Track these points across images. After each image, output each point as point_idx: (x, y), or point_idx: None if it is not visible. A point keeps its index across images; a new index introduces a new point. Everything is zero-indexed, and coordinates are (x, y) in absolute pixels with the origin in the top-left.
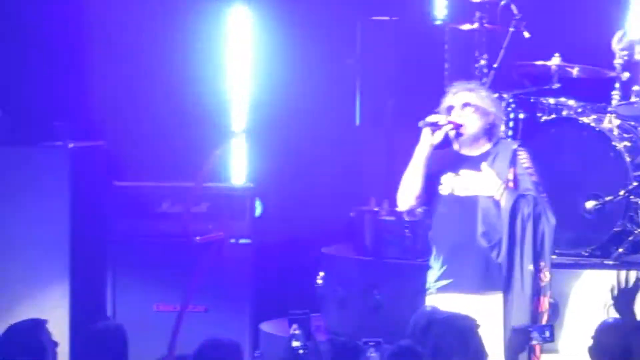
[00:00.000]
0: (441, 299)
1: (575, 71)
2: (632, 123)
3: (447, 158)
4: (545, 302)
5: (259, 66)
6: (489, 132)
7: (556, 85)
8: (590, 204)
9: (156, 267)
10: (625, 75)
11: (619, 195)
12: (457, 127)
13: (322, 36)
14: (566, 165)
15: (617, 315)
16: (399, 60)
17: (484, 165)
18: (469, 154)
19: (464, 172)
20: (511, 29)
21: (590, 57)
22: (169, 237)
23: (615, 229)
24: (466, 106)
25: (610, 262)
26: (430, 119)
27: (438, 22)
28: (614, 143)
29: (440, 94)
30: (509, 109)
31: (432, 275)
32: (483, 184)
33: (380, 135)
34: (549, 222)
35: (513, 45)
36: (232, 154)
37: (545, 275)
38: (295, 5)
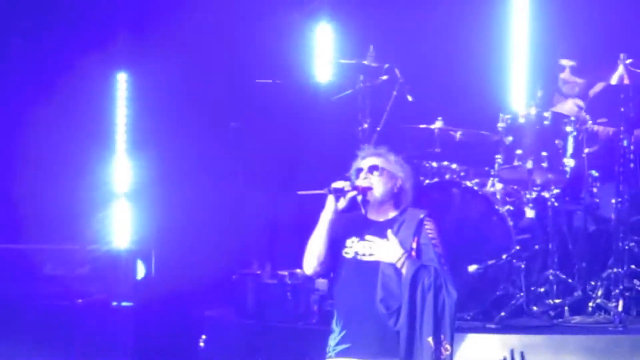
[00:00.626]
0: None
1: (458, 135)
2: (515, 187)
3: (353, 222)
4: None
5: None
6: (396, 197)
7: (438, 149)
8: (472, 268)
9: (39, 329)
10: (509, 139)
11: (501, 259)
12: (363, 192)
13: (206, 100)
14: (449, 229)
15: None
16: (284, 123)
17: (389, 232)
18: (375, 219)
19: (369, 237)
20: (394, 93)
21: (473, 121)
22: (52, 300)
23: (497, 293)
24: (373, 170)
25: (493, 326)
26: (335, 185)
27: (322, 85)
28: (496, 207)
29: (329, 156)
30: None
31: (332, 339)
32: (386, 250)
33: (264, 199)
34: (449, 295)
35: (396, 108)
36: (114, 216)
37: (446, 349)
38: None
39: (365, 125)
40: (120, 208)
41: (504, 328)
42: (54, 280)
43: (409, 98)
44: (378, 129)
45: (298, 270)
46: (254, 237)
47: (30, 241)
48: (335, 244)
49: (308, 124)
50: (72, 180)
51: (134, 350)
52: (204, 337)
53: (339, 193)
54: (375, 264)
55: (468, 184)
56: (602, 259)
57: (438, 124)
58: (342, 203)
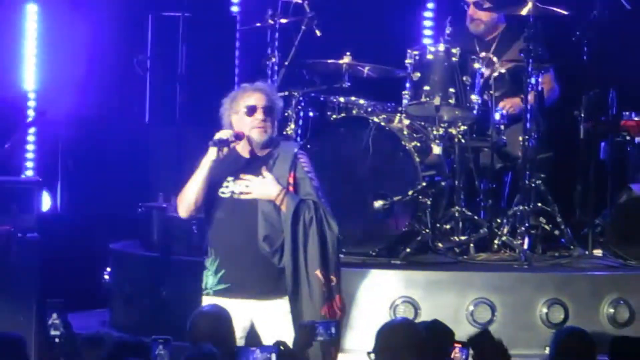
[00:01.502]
0: (219, 302)
1: (366, 70)
2: (422, 123)
3: (227, 161)
4: (336, 304)
5: (48, 60)
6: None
7: (346, 84)
8: (378, 204)
9: None
10: (416, 75)
11: (407, 195)
12: (248, 139)
13: (113, 32)
14: (356, 165)
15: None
16: (190, 57)
17: (263, 169)
18: (247, 156)
19: (244, 176)
20: (303, 27)
21: (381, 56)
22: None
23: (403, 229)
24: (268, 112)
25: (398, 262)
26: (218, 136)
27: (230, 18)
28: (403, 142)
29: (231, 90)
30: (299, 107)
31: (209, 278)
32: (263, 188)
33: (170, 132)
34: (330, 228)
35: (304, 43)
36: (21, 146)
37: (332, 280)
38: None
39: (274, 59)
40: (27, 138)
41: (409, 264)
42: None
43: (317, 32)
44: (286, 63)
45: None
46: (161, 170)
47: None
48: (211, 183)
49: (216, 59)
50: None
51: (38, 282)
52: (108, 269)
53: (223, 144)
54: (254, 203)
55: (375, 119)
56: (508, 197)
57: (346, 59)
58: (224, 152)
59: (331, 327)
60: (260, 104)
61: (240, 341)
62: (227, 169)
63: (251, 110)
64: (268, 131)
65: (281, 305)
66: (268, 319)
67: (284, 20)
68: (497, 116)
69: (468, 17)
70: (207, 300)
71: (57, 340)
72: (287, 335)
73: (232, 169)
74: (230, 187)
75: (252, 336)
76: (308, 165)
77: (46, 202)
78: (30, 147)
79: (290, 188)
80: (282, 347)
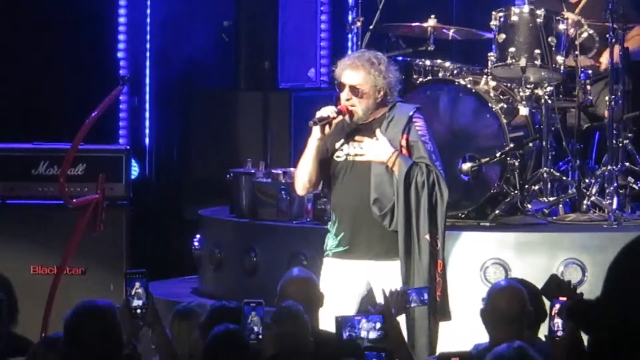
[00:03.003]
0: (337, 264)
1: (451, 32)
2: (508, 85)
3: (342, 125)
4: (438, 270)
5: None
6: (382, 100)
7: (431, 47)
8: (466, 166)
9: (33, 230)
10: (501, 37)
11: (495, 157)
12: (349, 113)
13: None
14: (442, 127)
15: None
16: (276, 23)
17: (377, 131)
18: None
19: (358, 138)
20: None
21: (466, 18)
22: (46, 200)
23: (491, 191)
24: (352, 89)
25: (487, 224)
26: (320, 114)
27: None
28: (490, 105)
29: (318, 56)
30: None
31: (330, 240)
32: (375, 150)
33: (257, 97)
34: (441, 193)
35: (389, 6)
36: (110, 115)
37: (437, 244)
38: None
39: (358, 24)
40: (116, 107)
41: (499, 226)
42: (48, 180)
43: None
44: (371, 27)
45: (291, 169)
46: (249, 136)
47: (23, 141)
48: (325, 154)
49: (303, 22)
50: (68, 78)
51: (128, 250)
52: (198, 236)
53: (325, 121)
54: (367, 165)
55: (461, 82)
56: (596, 157)
57: (431, 22)
58: (328, 129)
59: (423, 293)
60: (348, 81)
61: (354, 304)
62: (342, 132)
63: (340, 87)
64: (358, 108)
65: (394, 268)
66: (382, 280)
67: None
68: (582, 76)
69: None
70: (326, 262)
71: (139, 310)
72: None
73: (346, 132)
74: (345, 150)
75: (369, 298)
76: (423, 128)
77: (135, 169)
78: (120, 114)
79: (403, 151)
80: (385, 315)
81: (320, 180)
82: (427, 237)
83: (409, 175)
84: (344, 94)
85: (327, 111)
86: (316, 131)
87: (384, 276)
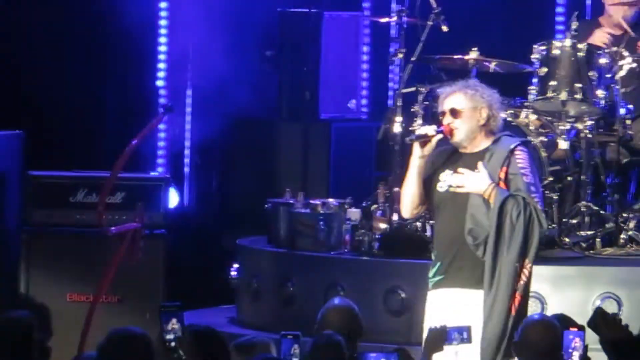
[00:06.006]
0: (434, 294)
1: (492, 65)
2: (549, 118)
3: (445, 155)
4: (515, 303)
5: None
6: (484, 127)
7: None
8: None
9: (70, 257)
10: (543, 70)
11: None
12: (449, 133)
13: (243, 27)
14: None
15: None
16: (318, 54)
17: (479, 163)
18: (466, 151)
19: (460, 170)
20: (430, 23)
21: (507, 52)
22: (84, 227)
23: None
24: (453, 111)
25: None
26: (420, 132)
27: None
28: (530, 138)
29: (359, 87)
30: (426, 102)
31: (431, 269)
32: (474, 181)
33: (297, 128)
34: (540, 225)
35: (431, 38)
36: (150, 142)
37: (522, 277)
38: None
39: (400, 55)
40: (155, 136)
41: (536, 259)
42: (87, 208)
43: (444, 28)
44: (413, 59)
45: (330, 200)
46: (288, 166)
47: (63, 168)
48: (428, 182)
49: (346, 53)
50: (108, 106)
51: (165, 278)
52: (235, 265)
53: (424, 138)
54: (466, 196)
55: (502, 114)
56: (635, 191)
57: (473, 54)
58: (429, 148)
59: (463, 331)
60: (447, 106)
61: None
62: (445, 163)
63: (442, 116)
64: (460, 130)
65: (481, 297)
66: (468, 309)
67: (407, 19)
68: (622, 111)
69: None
70: (428, 292)
71: (173, 344)
72: (475, 326)
73: (449, 163)
74: (447, 181)
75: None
76: (524, 161)
77: (174, 198)
78: (160, 143)
79: (501, 183)
80: (401, 354)
81: (424, 203)
82: (517, 268)
83: (504, 207)
84: (445, 120)
85: (427, 129)
86: (417, 149)
87: (471, 305)
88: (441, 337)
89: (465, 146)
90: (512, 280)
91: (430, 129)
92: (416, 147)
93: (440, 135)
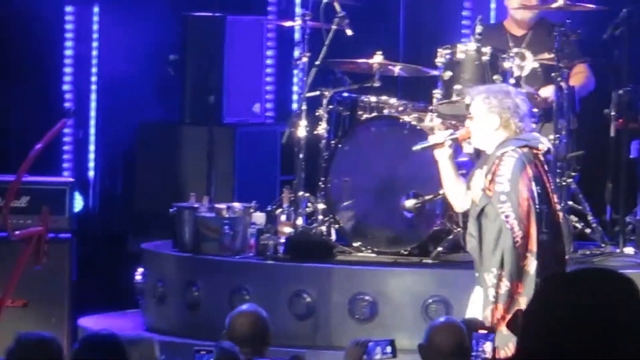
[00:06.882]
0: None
1: (396, 69)
2: (454, 122)
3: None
4: (497, 312)
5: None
6: (500, 132)
7: (377, 83)
8: (410, 203)
9: None
10: (447, 74)
11: (439, 194)
12: (466, 136)
13: (147, 31)
14: (387, 164)
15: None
16: (222, 58)
17: (478, 170)
18: (487, 153)
19: (474, 174)
20: (334, 27)
21: (412, 55)
22: None
23: (434, 228)
24: (471, 115)
25: (429, 261)
26: (428, 141)
27: (262, 18)
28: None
29: (263, 91)
30: (330, 106)
31: None
32: (474, 188)
33: (202, 132)
34: (510, 233)
35: (335, 43)
36: (52, 146)
37: (506, 285)
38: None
39: (305, 59)
40: (59, 140)
41: (441, 263)
42: None
43: (348, 32)
44: (317, 62)
45: (235, 204)
46: (193, 171)
47: None
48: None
49: (249, 57)
50: (14, 109)
51: (71, 283)
52: (140, 270)
53: (432, 147)
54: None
55: (406, 118)
56: None
57: (377, 58)
58: (446, 151)
59: (386, 346)
60: (469, 110)
61: None
62: (478, 162)
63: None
64: (472, 136)
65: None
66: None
67: (310, 23)
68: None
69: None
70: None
71: None
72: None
73: (480, 162)
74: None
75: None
76: (504, 168)
77: (79, 202)
78: (65, 147)
79: (487, 191)
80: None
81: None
82: (492, 274)
83: (481, 215)
84: (466, 123)
85: (435, 138)
86: (438, 155)
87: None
88: (360, 352)
89: (484, 149)
90: (493, 291)
91: (442, 136)
92: (437, 153)
93: (449, 141)
